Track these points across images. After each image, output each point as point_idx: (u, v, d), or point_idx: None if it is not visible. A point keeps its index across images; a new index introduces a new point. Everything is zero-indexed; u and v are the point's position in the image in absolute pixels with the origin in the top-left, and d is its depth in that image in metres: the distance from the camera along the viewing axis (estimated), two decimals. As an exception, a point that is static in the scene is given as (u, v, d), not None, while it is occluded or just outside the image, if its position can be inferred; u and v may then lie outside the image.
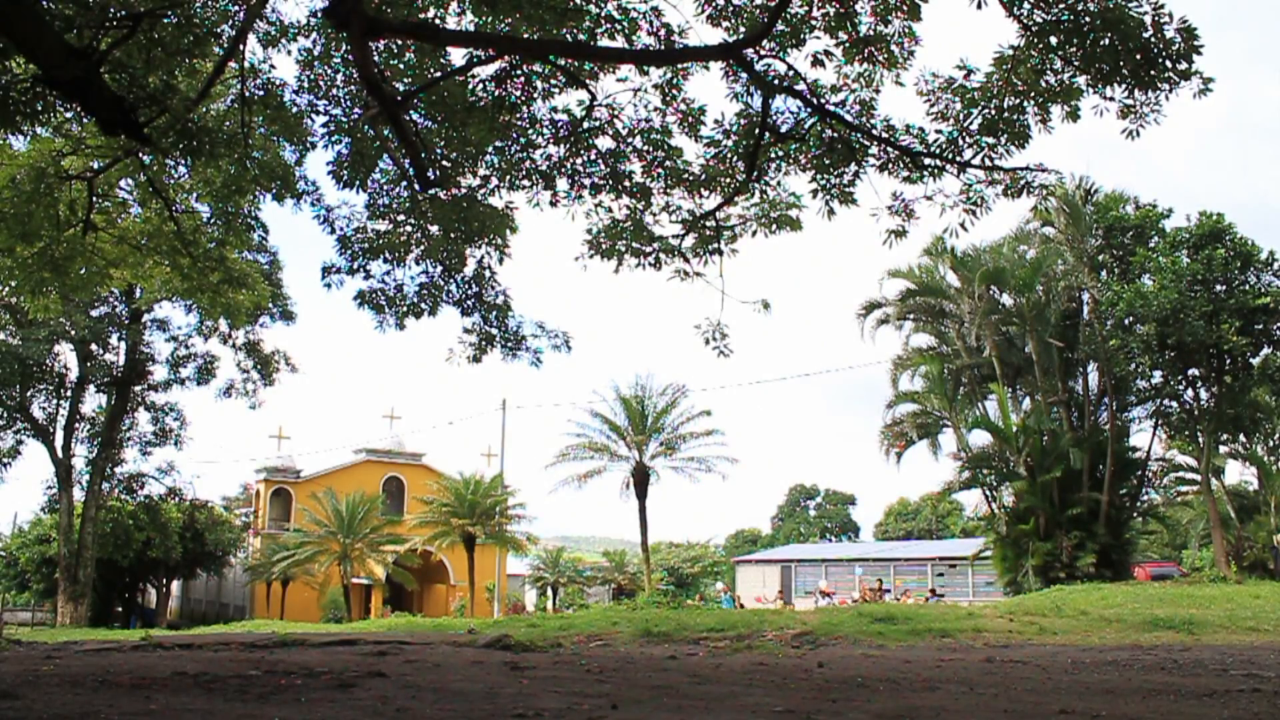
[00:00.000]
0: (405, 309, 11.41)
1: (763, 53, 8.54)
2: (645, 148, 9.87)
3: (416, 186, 10.04)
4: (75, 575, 32.19)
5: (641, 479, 32.01)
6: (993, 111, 8.38)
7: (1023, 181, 8.85)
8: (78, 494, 33.48)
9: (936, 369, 28.49)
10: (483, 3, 8.03)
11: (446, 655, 9.00)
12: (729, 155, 9.71)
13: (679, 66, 9.22)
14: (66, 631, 25.52)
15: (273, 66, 11.85)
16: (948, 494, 31.88)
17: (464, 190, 10.65)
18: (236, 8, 9.02)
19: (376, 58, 8.81)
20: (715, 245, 10.55)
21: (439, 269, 11.55)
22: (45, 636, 18.30)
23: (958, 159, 8.80)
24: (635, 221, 10.53)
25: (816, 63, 8.32)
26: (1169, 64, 7.29)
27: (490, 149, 10.12)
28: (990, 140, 8.55)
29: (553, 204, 10.43)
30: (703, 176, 10.08)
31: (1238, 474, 40.92)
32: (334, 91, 9.81)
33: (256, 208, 11.32)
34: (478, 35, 8.86)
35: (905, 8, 8.07)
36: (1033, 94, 8.16)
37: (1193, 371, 25.08)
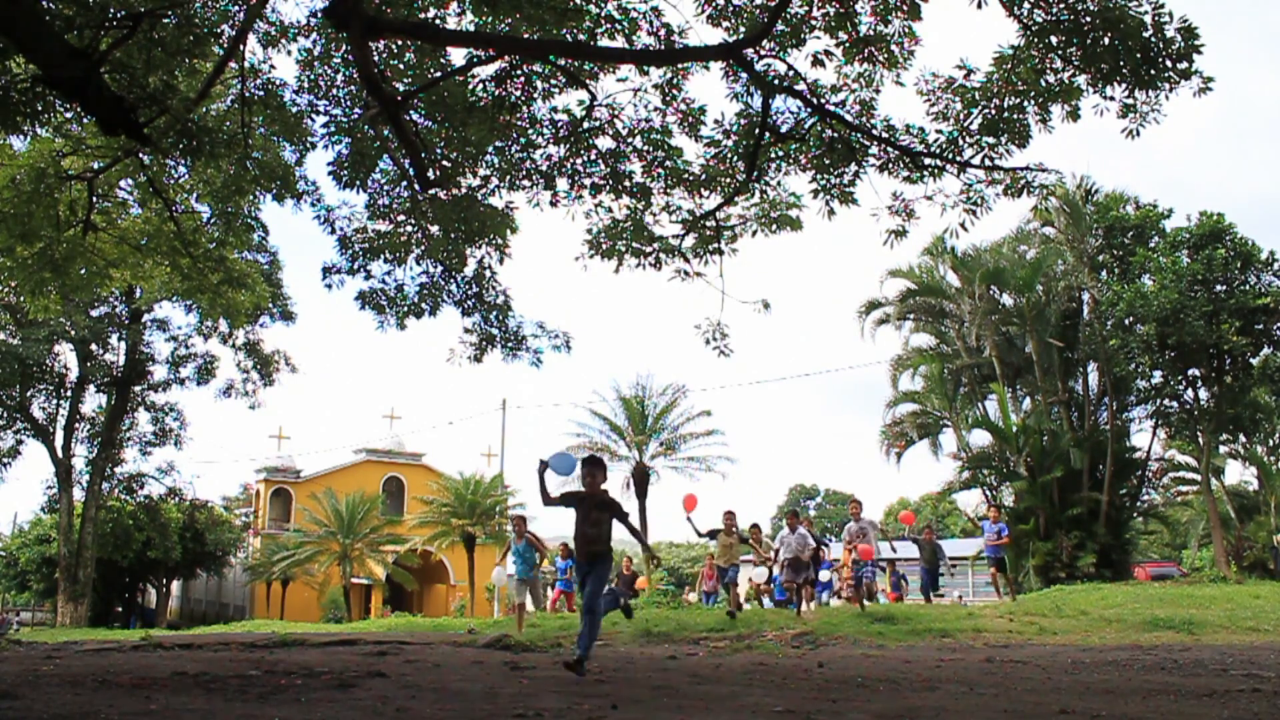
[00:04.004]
0: (406, 309, 11.42)
1: (763, 53, 8.54)
2: (645, 148, 9.87)
3: (416, 186, 10.04)
4: (75, 575, 32.18)
5: (641, 479, 32.00)
6: (993, 111, 8.39)
7: (1023, 181, 8.86)
8: (78, 494, 33.48)
9: (936, 369, 28.49)
10: (483, 3, 8.04)
11: (446, 655, 9.00)
12: (729, 155, 9.71)
13: (679, 66, 9.22)
14: (66, 631, 25.52)
15: (273, 66, 11.87)
16: (948, 494, 31.83)
17: (464, 190, 10.66)
18: (236, 8, 9.02)
19: (376, 58, 8.82)
20: (715, 245, 10.56)
21: (439, 269, 11.56)
22: (45, 636, 18.30)
23: (958, 159, 8.80)
24: (635, 221, 10.53)
25: (816, 63, 8.32)
26: (1169, 63, 7.29)
27: (490, 149, 10.12)
28: (990, 140, 8.56)
29: (553, 204, 10.43)
30: (703, 176, 10.08)
31: (1238, 474, 40.97)
32: (334, 91, 9.82)
33: (256, 208, 11.33)
34: (478, 35, 8.87)
35: (905, 8, 8.08)
36: (1033, 94, 8.17)
37: (1193, 371, 25.07)
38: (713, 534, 13.31)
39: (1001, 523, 17.13)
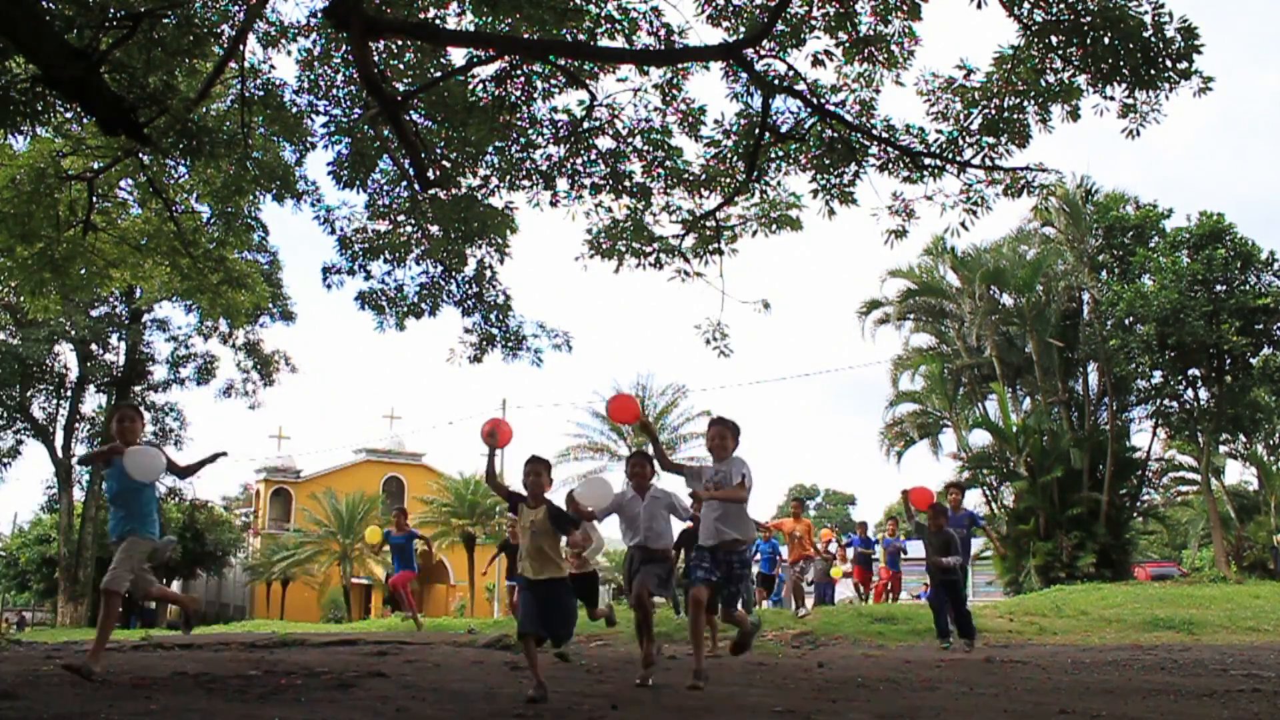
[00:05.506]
0: (405, 309, 11.42)
1: (763, 53, 8.55)
2: (645, 148, 9.88)
3: (416, 186, 10.05)
4: (75, 575, 32.20)
5: (642, 479, 31.91)
6: (993, 111, 8.39)
7: (1023, 181, 8.86)
8: (78, 494, 33.49)
9: (936, 369, 28.48)
10: (483, 3, 8.04)
11: (446, 655, 9.00)
12: (729, 155, 9.71)
13: (679, 66, 9.23)
14: (66, 631, 25.52)
15: (273, 66, 11.89)
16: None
17: (464, 190, 10.66)
18: (236, 8, 9.02)
19: (376, 58, 8.82)
20: (715, 245, 10.56)
21: (439, 269, 11.56)
22: (45, 636, 18.30)
23: (958, 159, 8.81)
24: (635, 221, 10.53)
25: (816, 63, 8.33)
26: (1169, 63, 7.30)
27: (490, 149, 10.13)
28: (990, 140, 8.57)
29: (553, 204, 10.44)
30: (703, 176, 10.08)
31: (1238, 474, 40.99)
32: (334, 91, 9.83)
33: (256, 208, 11.33)
34: (478, 35, 8.87)
35: (905, 8, 8.08)
36: (1033, 94, 8.17)
37: (1193, 371, 25.08)
38: (513, 500, 6.10)
39: (967, 509, 12.14)
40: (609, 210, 10.48)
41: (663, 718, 4.85)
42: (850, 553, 18.12)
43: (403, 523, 13.48)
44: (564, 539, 7.02)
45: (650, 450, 6.57)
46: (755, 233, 10.59)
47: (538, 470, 5.87)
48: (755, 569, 16.94)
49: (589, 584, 8.61)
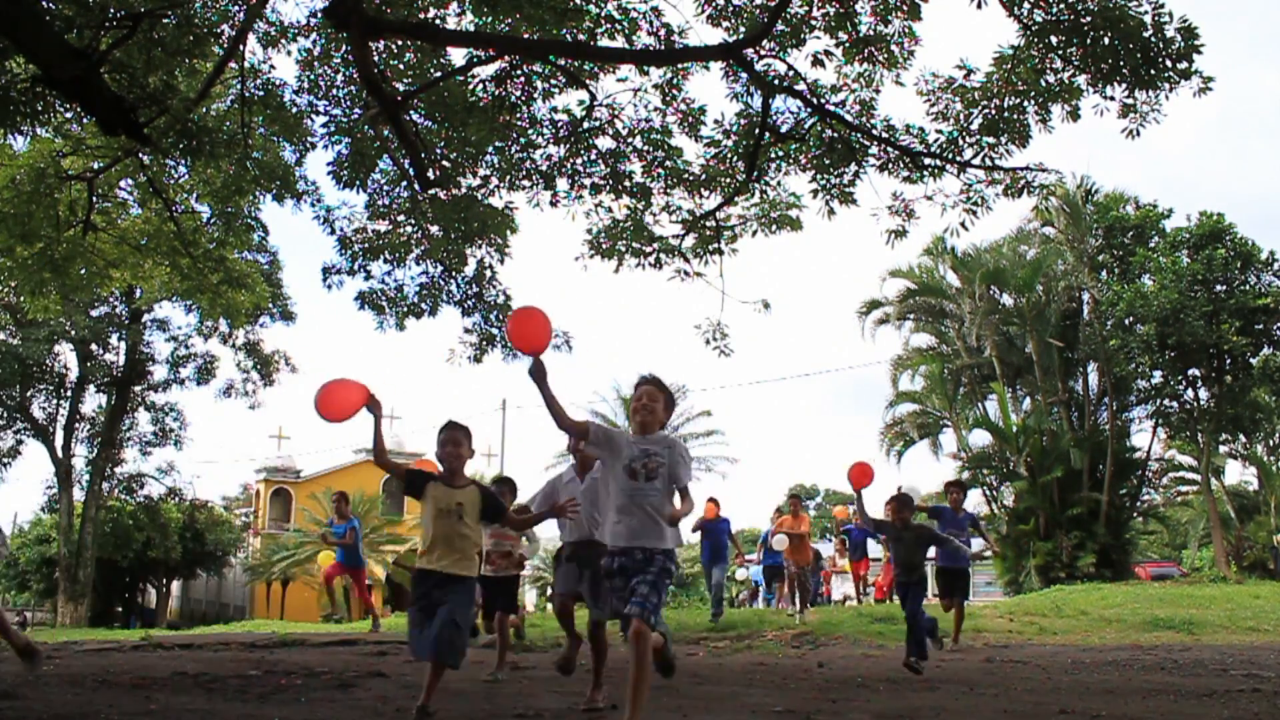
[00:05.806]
0: (405, 309, 11.43)
1: (763, 53, 8.56)
2: (645, 148, 9.89)
3: (416, 186, 10.06)
4: (75, 575, 32.17)
5: (642, 478, 31.82)
6: (993, 111, 8.40)
7: (1023, 181, 8.87)
8: (78, 494, 33.46)
9: (937, 369, 28.47)
10: (483, 3, 8.05)
11: (446, 655, 8.98)
12: (729, 155, 9.72)
13: (679, 66, 9.24)
14: (66, 631, 25.52)
15: (273, 66, 11.89)
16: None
17: (464, 190, 10.66)
18: (236, 8, 9.03)
19: (376, 58, 8.82)
20: (715, 245, 10.57)
21: (439, 269, 11.57)
22: (45, 636, 18.29)
23: (958, 159, 8.82)
24: (635, 221, 10.54)
25: (816, 63, 8.34)
26: (1169, 63, 7.31)
27: (490, 149, 10.14)
28: (991, 140, 8.58)
29: (553, 204, 10.45)
30: (703, 176, 10.09)
31: (1238, 474, 40.98)
32: (334, 91, 9.84)
33: (256, 208, 11.34)
34: (478, 35, 8.88)
35: (905, 8, 8.09)
36: (1033, 94, 8.19)
37: (1193, 371, 25.08)
38: (414, 481, 5.02)
39: (968, 510, 10.85)
40: (609, 210, 10.50)
41: (663, 718, 4.85)
42: (846, 541, 17.76)
43: (344, 510, 12.37)
44: (488, 535, 6.46)
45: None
46: (755, 233, 10.60)
47: (457, 439, 4.74)
48: (759, 555, 16.27)
49: (510, 586, 7.48)
